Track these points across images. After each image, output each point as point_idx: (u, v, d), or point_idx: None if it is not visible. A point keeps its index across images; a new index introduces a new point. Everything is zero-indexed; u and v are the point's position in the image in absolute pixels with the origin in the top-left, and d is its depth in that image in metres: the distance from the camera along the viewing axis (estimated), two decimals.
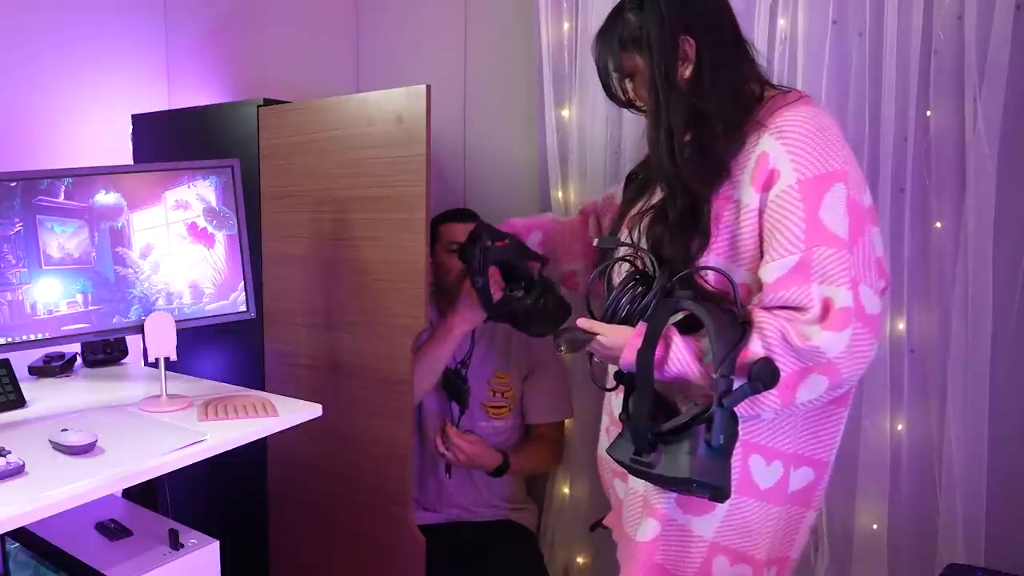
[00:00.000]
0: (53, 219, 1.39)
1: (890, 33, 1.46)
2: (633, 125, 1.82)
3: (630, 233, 1.25)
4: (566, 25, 1.89)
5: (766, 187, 1.10)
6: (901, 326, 1.51)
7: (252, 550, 1.91)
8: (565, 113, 1.91)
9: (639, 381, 1.10)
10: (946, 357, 1.47)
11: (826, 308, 1.05)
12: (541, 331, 1.54)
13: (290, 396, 1.54)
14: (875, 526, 1.55)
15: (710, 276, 1.14)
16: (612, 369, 1.30)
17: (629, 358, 1.10)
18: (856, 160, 1.14)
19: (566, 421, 1.94)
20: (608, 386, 1.29)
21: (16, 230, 1.36)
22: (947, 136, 1.44)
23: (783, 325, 1.05)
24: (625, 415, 1.16)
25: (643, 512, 1.26)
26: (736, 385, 1.03)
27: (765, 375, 1.01)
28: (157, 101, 2.11)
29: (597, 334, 1.16)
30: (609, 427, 1.38)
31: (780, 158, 1.08)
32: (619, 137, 1.85)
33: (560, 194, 1.92)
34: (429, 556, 1.61)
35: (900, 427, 1.53)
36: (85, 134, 1.97)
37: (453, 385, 1.76)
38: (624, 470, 1.18)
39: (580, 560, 1.97)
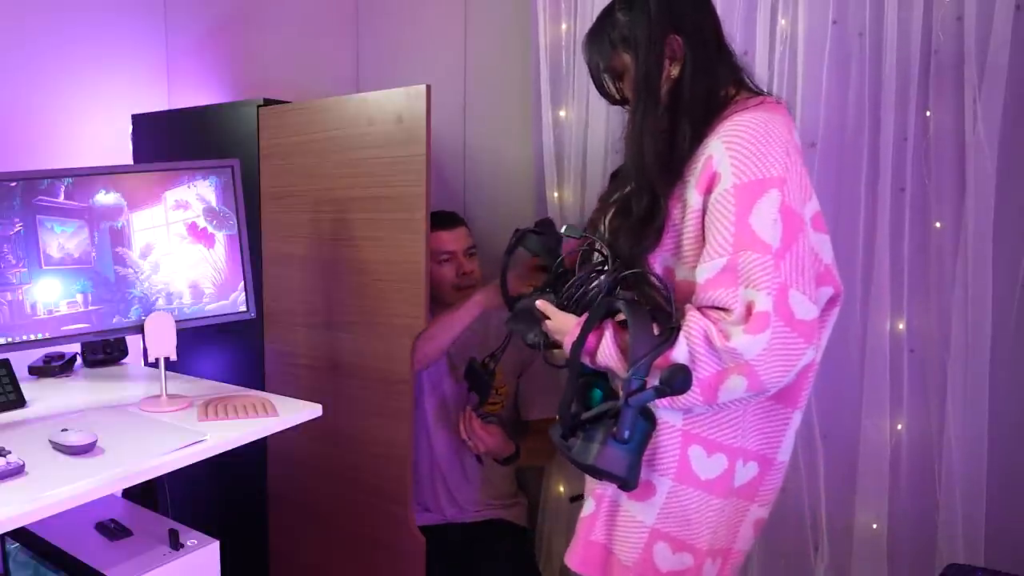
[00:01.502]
0: (53, 219, 1.39)
1: (890, 33, 1.46)
2: None
3: (600, 225, 1.28)
4: (564, 26, 1.89)
5: (708, 190, 1.12)
6: (901, 326, 1.51)
7: (252, 550, 1.91)
8: (563, 113, 1.91)
9: (569, 368, 1.17)
10: (946, 357, 1.47)
11: (748, 311, 1.06)
12: (516, 329, 1.41)
13: (290, 396, 1.54)
14: (875, 525, 1.55)
15: (658, 271, 1.19)
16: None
17: (568, 344, 1.17)
18: (804, 169, 1.13)
19: None
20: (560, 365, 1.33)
21: (16, 230, 1.36)
22: (947, 136, 1.44)
23: (708, 325, 1.08)
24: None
25: (591, 489, 1.31)
26: (649, 386, 1.08)
27: (674, 381, 1.05)
28: (157, 101, 2.11)
29: (547, 317, 1.23)
30: None
31: (722, 161, 1.10)
32: (617, 137, 1.85)
33: (557, 194, 1.93)
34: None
35: (900, 427, 1.53)
36: (85, 134, 1.97)
37: (478, 377, 1.72)
38: None
39: None
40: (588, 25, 1.80)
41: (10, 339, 1.36)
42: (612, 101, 1.28)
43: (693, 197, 1.13)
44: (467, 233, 1.90)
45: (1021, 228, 1.41)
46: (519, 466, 1.95)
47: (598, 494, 1.28)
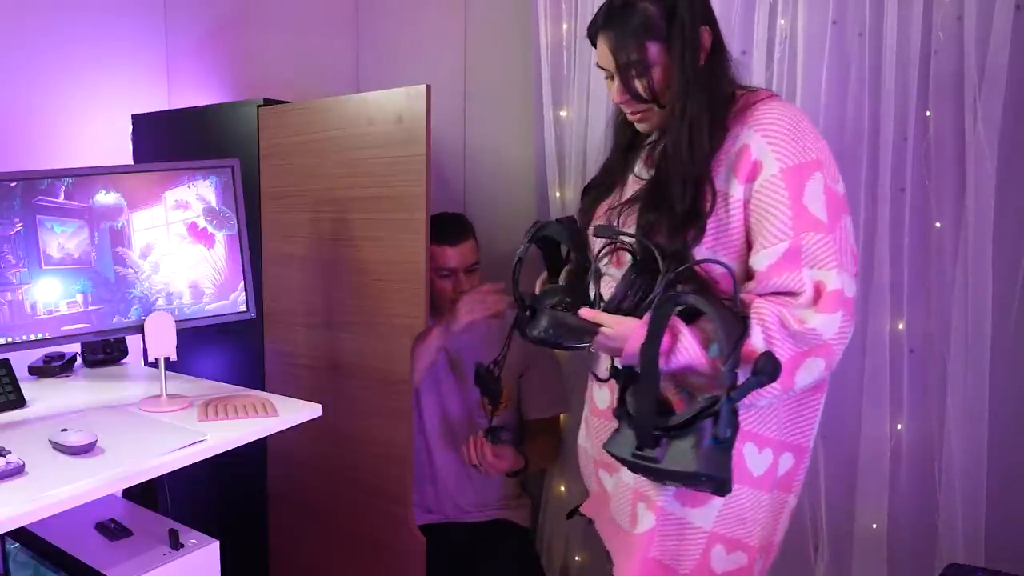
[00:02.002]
0: (53, 219, 1.39)
1: (890, 33, 1.46)
2: None
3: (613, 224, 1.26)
4: (565, 26, 1.88)
5: (750, 178, 1.13)
6: (901, 326, 1.51)
7: (252, 550, 1.91)
8: (564, 113, 1.91)
9: (644, 375, 1.10)
10: (946, 357, 1.47)
11: (818, 291, 1.08)
12: (559, 342, 1.31)
13: (290, 396, 1.54)
14: (875, 525, 1.55)
15: (712, 268, 1.15)
16: (604, 361, 1.31)
17: (633, 348, 1.11)
18: (829, 151, 1.17)
19: (562, 416, 1.95)
20: (603, 377, 1.29)
21: (16, 230, 1.36)
22: (947, 136, 1.44)
23: (780, 311, 1.08)
24: (623, 410, 1.16)
25: (636, 505, 1.26)
26: (740, 379, 1.04)
27: (769, 368, 1.03)
28: (157, 101, 2.11)
29: (601, 326, 1.15)
30: (589, 417, 1.39)
31: (762, 150, 1.12)
32: None
33: (559, 194, 1.92)
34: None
35: (900, 427, 1.53)
36: (85, 134, 1.97)
37: (486, 384, 1.70)
38: (616, 462, 1.19)
39: (577, 558, 1.98)
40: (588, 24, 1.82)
41: (10, 339, 1.36)
42: (629, 97, 1.21)
43: (733, 187, 1.13)
44: (472, 248, 1.85)
45: (1021, 228, 1.41)
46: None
47: (660, 507, 1.22)
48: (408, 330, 1.58)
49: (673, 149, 1.17)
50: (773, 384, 1.07)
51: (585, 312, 1.17)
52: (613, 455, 1.18)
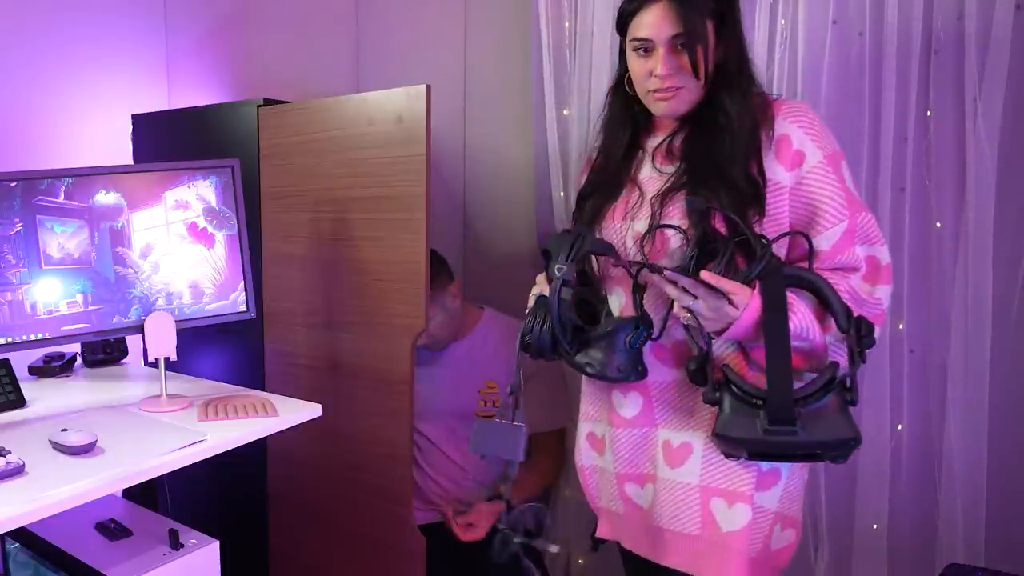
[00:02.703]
0: (53, 219, 1.39)
1: (890, 33, 1.46)
2: None
3: (653, 212, 1.24)
4: (566, 24, 1.88)
5: (794, 166, 1.19)
6: (901, 326, 1.51)
7: (252, 550, 1.91)
8: (566, 112, 1.91)
9: (775, 346, 1.10)
10: (946, 357, 1.47)
11: (873, 266, 1.19)
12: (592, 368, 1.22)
13: (290, 396, 1.54)
14: (875, 526, 1.55)
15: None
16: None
17: (751, 318, 1.11)
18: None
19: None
20: (699, 350, 1.22)
21: (16, 230, 1.36)
22: (947, 136, 1.44)
23: (848, 283, 1.17)
24: (717, 392, 1.14)
25: (708, 503, 1.22)
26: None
27: (869, 330, 1.12)
28: (157, 101, 2.11)
29: (724, 289, 1.11)
30: (609, 431, 1.33)
31: (802, 140, 1.19)
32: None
33: (561, 194, 1.92)
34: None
35: (900, 427, 1.53)
36: (85, 134, 1.97)
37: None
38: (649, 472, 1.23)
39: (580, 561, 1.98)
40: (590, 22, 1.82)
41: (10, 339, 1.36)
42: (692, 65, 1.19)
43: (779, 174, 1.19)
44: (440, 292, 1.80)
45: (1021, 228, 1.41)
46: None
47: (749, 497, 1.20)
48: (408, 330, 1.58)
49: (735, 125, 1.19)
50: (841, 352, 1.15)
51: (706, 275, 1.11)
52: (736, 439, 1.13)
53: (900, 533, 1.55)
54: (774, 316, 1.09)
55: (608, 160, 1.35)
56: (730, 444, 1.15)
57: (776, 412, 1.09)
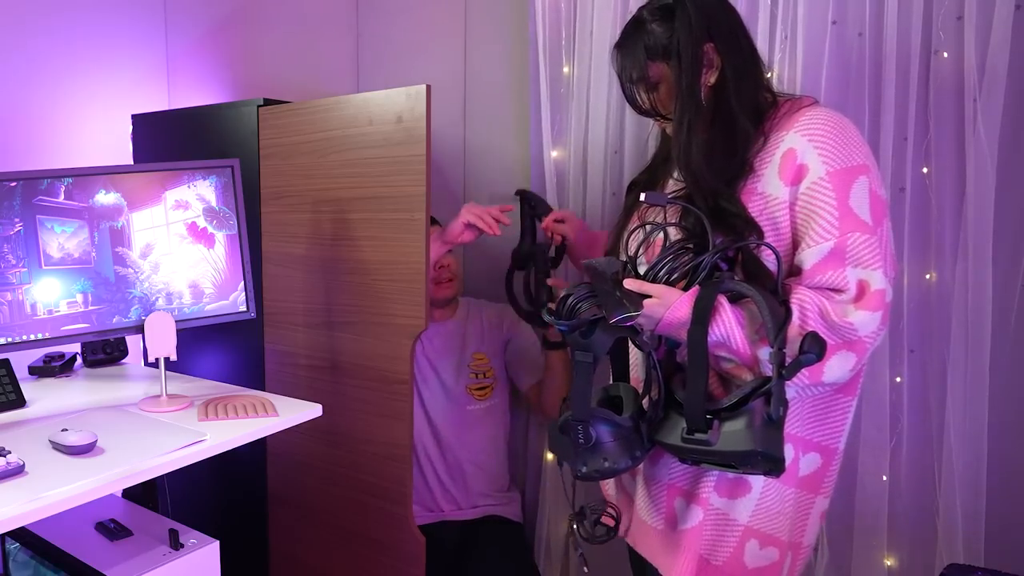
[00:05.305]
0: (53, 219, 1.39)
1: (890, 33, 1.46)
2: (634, 125, 1.82)
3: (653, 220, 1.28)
4: (563, 27, 1.88)
5: (795, 181, 1.15)
6: (901, 326, 1.51)
7: (252, 550, 1.91)
8: (565, 112, 1.91)
9: (692, 357, 1.11)
10: (946, 357, 1.47)
11: (861, 289, 1.11)
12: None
13: (290, 396, 1.54)
14: (875, 525, 1.55)
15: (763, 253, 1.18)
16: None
17: (676, 316, 1.11)
18: (874, 158, 1.18)
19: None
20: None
21: (16, 230, 1.36)
22: (947, 136, 1.44)
23: (822, 301, 1.11)
24: (667, 398, 1.17)
25: (673, 501, 1.27)
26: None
27: (816, 348, 1.04)
28: (157, 101, 2.11)
29: (647, 296, 1.14)
30: None
31: (807, 153, 1.15)
32: (619, 137, 1.85)
33: (557, 197, 1.92)
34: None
35: (900, 427, 1.53)
36: (85, 134, 1.97)
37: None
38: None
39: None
40: (587, 25, 1.83)
41: (10, 339, 1.36)
42: (640, 111, 1.28)
43: (778, 189, 1.16)
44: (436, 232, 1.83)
45: (1021, 228, 1.41)
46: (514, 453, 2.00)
47: (706, 501, 1.24)
48: (408, 330, 1.58)
49: (681, 165, 1.22)
50: (803, 374, 1.10)
51: (630, 283, 1.16)
52: (661, 444, 1.18)
53: (900, 533, 1.55)
54: (696, 328, 1.10)
55: (654, 160, 1.42)
56: (664, 448, 1.20)
57: (691, 421, 1.12)
